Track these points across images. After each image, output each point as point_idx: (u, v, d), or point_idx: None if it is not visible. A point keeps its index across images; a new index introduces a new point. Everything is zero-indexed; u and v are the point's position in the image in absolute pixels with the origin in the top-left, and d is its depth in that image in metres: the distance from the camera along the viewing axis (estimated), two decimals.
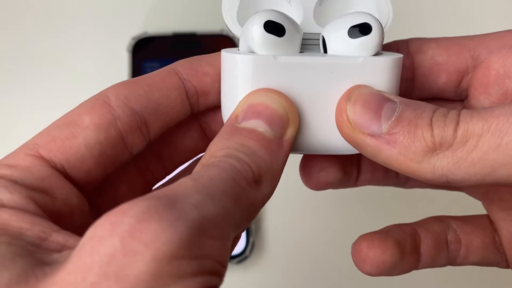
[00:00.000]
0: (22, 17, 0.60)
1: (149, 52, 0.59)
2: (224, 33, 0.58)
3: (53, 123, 0.28)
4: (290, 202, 0.55)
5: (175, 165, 0.33)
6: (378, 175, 0.36)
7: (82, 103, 0.28)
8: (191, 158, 0.33)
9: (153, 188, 0.33)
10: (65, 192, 0.26)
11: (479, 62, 0.32)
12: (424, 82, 0.33)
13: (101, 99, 0.28)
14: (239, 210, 0.24)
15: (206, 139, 0.33)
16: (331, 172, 0.34)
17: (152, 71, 0.58)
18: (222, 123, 0.30)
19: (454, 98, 0.34)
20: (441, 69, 0.32)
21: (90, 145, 0.27)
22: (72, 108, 0.28)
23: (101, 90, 0.55)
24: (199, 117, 0.32)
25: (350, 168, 0.35)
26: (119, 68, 0.58)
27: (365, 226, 0.49)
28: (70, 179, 0.27)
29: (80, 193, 0.27)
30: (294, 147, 0.29)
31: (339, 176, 0.34)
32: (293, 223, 0.55)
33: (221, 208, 0.22)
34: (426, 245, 0.33)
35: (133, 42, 0.59)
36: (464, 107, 0.34)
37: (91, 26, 0.60)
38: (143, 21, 0.60)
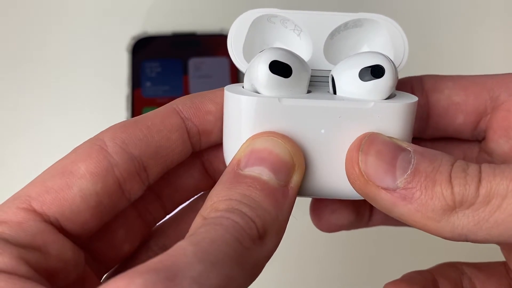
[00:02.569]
0: (22, 17, 0.58)
1: (149, 52, 0.57)
2: (224, 33, 0.55)
3: (46, 171, 0.26)
4: (295, 208, 0.53)
5: (176, 205, 0.31)
6: None
7: (77, 147, 0.26)
8: (192, 197, 0.31)
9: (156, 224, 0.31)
10: (59, 247, 0.24)
11: (499, 104, 0.29)
12: (440, 122, 0.30)
13: (97, 144, 0.26)
14: (243, 273, 0.22)
15: (208, 177, 0.31)
16: (343, 214, 0.32)
17: (151, 71, 0.57)
18: (224, 161, 0.29)
19: (470, 139, 0.31)
20: (458, 109, 0.30)
21: (86, 196, 0.25)
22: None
23: (100, 88, 0.55)
24: (201, 155, 0.30)
25: (363, 209, 0.33)
26: (119, 68, 0.57)
27: (374, 235, 0.47)
28: (65, 232, 0.25)
29: (74, 245, 0.25)
30: (300, 192, 0.27)
31: (351, 218, 0.32)
32: (293, 223, 0.52)
33: (224, 277, 0.20)
34: None
35: (133, 41, 0.57)
36: (482, 149, 0.32)
37: (91, 26, 0.58)
38: (143, 20, 0.58)
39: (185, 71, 0.56)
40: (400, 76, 0.30)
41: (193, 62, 0.56)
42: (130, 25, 0.57)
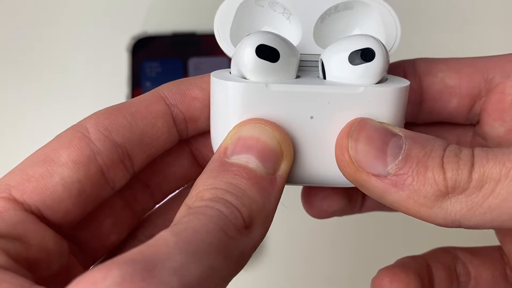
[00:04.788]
0: (22, 17, 0.57)
1: (149, 52, 0.56)
2: None
3: (27, 159, 0.24)
4: (290, 201, 0.52)
5: (165, 194, 0.30)
6: None
7: (59, 135, 0.25)
8: (182, 186, 0.30)
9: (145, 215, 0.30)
10: (40, 237, 0.23)
11: (493, 86, 0.28)
12: (433, 106, 0.29)
13: (79, 131, 0.24)
14: (227, 263, 0.21)
15: (198, 165, 0.29)
16: (335, 201, 0.31)
17: (151, 71, 0.56)
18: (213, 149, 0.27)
19: (464, 123, 0.30)
20: (452, 92, 0.28)
21: (68, 184, 0.24)
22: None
23: (100, 88, 0.54)
24: (189, 142, 0.29)
25: (355, 195, 0.32)
26: (119, 67, 0.56)
27: (365, 226, 0.46)
28: (46, 221, 0.24)
29: (57, 235, 0.24)
30: (289, 179, 0.25)
31: (343, 204, 0.31)
32: (292, 223, 0.52)
33: (207, 267, 0.19)
34: (438, 277, 0.30)
35: (133, 41, 0.56)
36: (476, 133, 0.30)
37: (91, 26, 0.57)
38: (142, 20, 0.57)
39: (185, 71, 0.55)
40: (393, 60, 0.29)
41: (193, 62, 0.55)
42: (130, 25, 0.56)
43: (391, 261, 0.31)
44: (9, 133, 0.55)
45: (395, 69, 0.29)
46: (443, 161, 0.22)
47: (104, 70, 0.56)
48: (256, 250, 0.39)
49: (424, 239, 0.35)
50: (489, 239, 0.31)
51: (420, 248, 0.32)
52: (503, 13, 0.58)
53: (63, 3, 0.57)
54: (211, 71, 0.27)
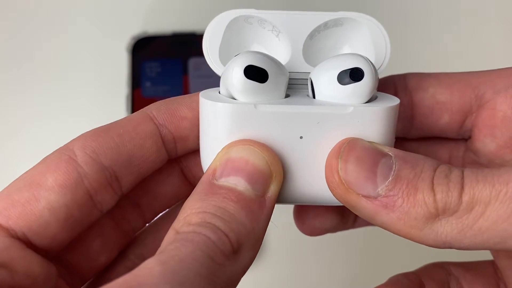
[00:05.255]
0: (22, 17, 0.57)
1: (149, 52, 0.56)
2: None
3: (13, 184, 0.24)
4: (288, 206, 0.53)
5: (155, 213, 0.29)
6: None
7: (45, 158, 0.24)
8: (172, 205, 0.29)
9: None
10: (26, 263, 0.23)
11: (484, 102, 0.27)
12: (424, 122, 0.29)
13: (66, 154, 0.24)
14: None
15: (188, 183, 0.29)
16: (327, 218, 0.30)
17: (151, 71, 0.56)
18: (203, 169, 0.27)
19: (456, 138, 0.29)
20: (443, 108, 0.28)
21: (55, 208, 0.23)
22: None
23: (100, 88, 0.54)
24: (179, 161, 0.29)
25: (347, 212, 0.31)
26: (118, 68, 0.55)
27: (365, 229, 0.46)
28: (33, 246, 0.23)
29: (44, 260, 0.24)
30: (279, 199, 0.25)
31: (335, 221, 0.31)
32: (293, 223, 0.51)
33: None
34: None
35: (133, 41, 0.56)
36: (468, 148, 0.30)
37: (91, 26, 0.57)
38: (142, 20, 0.57)
39: (185, 71, 0.55)
40: (384, 74, 0.29)
41: (193, 62, 0.55)
42: (130, 25, 0.56)
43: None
44: (8, 134, 0.54)
45: (386, 85, 0.28)
46: (433, 182, 0.22)
47: (104, 70, 0.55)
48: None
49: (418, 253, 0.35)
50: (482, 253, 0.31)
51: (414, 262, 0.32)
52: (497, 27, 0.57)
53: (63, 3, 0.57)
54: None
